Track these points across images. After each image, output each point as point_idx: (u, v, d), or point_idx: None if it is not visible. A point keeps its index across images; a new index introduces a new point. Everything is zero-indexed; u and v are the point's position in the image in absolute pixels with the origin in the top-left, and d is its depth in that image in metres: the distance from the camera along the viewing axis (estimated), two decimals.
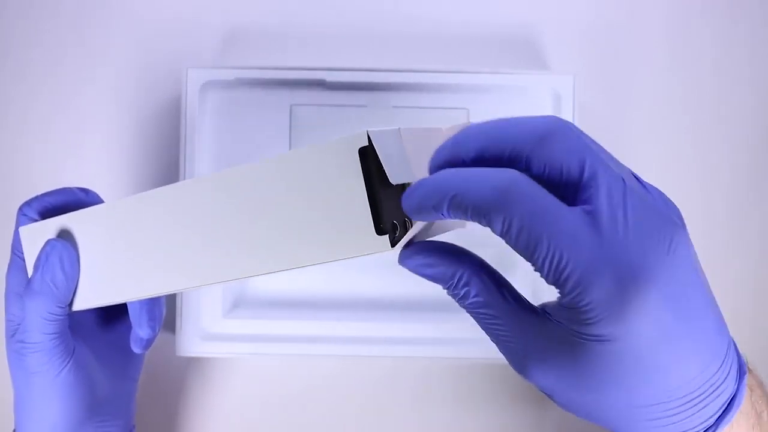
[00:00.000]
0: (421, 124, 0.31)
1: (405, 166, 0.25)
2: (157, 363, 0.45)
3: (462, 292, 0.24)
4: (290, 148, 0.44)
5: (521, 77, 0.42)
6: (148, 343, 0.35)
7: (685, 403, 0.21)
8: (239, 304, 0.44)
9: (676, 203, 0.27)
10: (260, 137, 0.43)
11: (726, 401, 0.22)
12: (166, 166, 0.46)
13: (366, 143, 0.23)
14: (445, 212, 0.22)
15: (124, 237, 0.30)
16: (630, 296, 0.20)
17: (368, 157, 0.23)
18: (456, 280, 0.24)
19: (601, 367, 0.21)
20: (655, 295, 0.20)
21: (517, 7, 0.46)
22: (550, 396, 0.24)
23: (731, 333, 0.24)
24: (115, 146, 0.46)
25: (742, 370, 0.23)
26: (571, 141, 0.21)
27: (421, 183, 0.23)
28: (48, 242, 0.32)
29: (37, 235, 0.33)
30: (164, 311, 0.36)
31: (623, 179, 0.22)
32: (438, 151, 0.24)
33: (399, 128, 0.25)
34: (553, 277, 0.21)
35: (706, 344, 0.22)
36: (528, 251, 0.21)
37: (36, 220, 0.34)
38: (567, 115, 0.42)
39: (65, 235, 0.32)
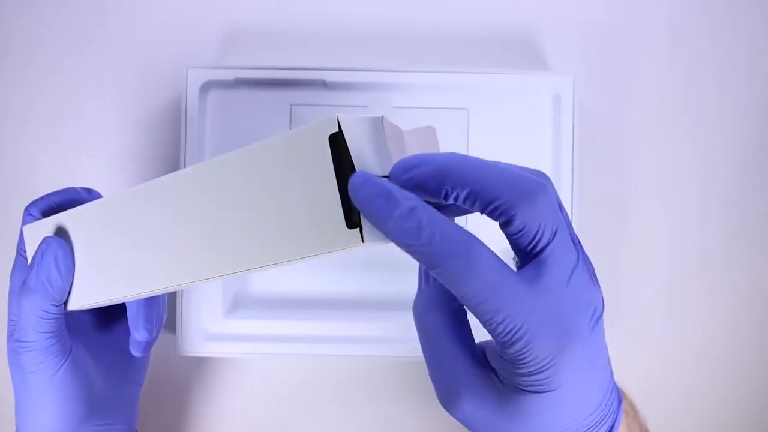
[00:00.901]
0: (420, 125, 0.30)
1: (383, 158, 0.23)
2: (157, 363, 0.45)
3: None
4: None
5: (521, 77, 0.42)
6: (146, 347, 0.34)
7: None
8: (239, 304, 0.44)
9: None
10: (260, 137, 0.43)
11: (609, 427, 0.25)
12: (167, 165, 0.46)
13: (336, 129, 0.21)
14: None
15: (111, 234, 0.29)
16: (565, 355, 0.23)
17: (340, 144, 0.21)
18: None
19: (528, 409, 0.24)
20: (580, 354, 0.23)
21: (517, 7, 0.46)
22: (469, 427, 0.26)
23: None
24: (116, 146, 0.46)
25: (619, 398, 0.26)
26: (552, 206, 0.23)
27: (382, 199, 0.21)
28: (44, 240, 0.32)
29: (38, 233, 0.33)
30: (165, 314, 0.36)
31: (577, 254, 0.24)
32: (415, 167, 0.22)
33: (382, 117, 0.24)
34: (504, 338, 0.22)
35: (603, 386, 0.25)
36: (482, 315, 0.22)
37: (39, 220, 0.34)
38: (567, 115, 0.42)
39: (62, 234, 0.32)
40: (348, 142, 0.21)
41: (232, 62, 0.45)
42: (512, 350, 0.23)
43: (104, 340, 0.37)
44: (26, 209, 0.34)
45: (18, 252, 0.35)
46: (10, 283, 0.34)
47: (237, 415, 0.46)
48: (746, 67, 0.46)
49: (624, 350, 0.46)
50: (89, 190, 0.36)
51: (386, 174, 0.23)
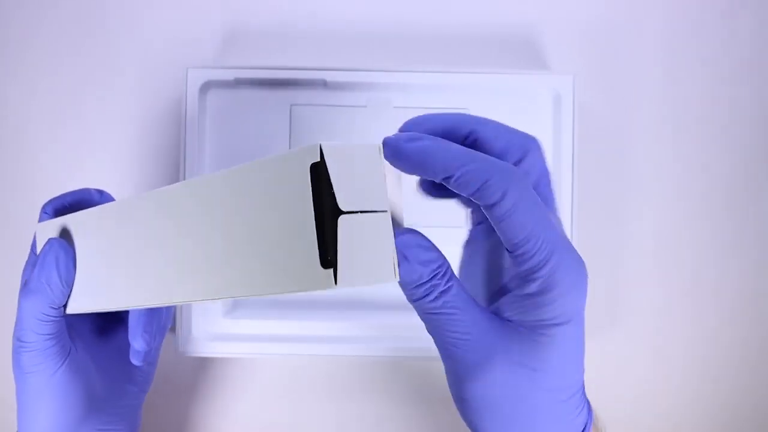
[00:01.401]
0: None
1: (375, 191, 0.21)
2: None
3: (446, 286, 0.24)
4: (290, 148, 0.44)
5: (521, 77, 0.42)
6: (144, 356, 0.34)
7: (573, 395, 0.25)
8: (239, 304, 0.44)
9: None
10: (260, 137, 0.43)
11: (584, 424, 0.26)
12: (168, 165, 0.46)
13: (317, 159, 0.19)
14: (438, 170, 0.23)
15: (108, 242, 0.29)
16: (584, 284, 0.24)
17: (320, 174, 0.20)
18: (444, 269, 0.24)
19: (552, 351, 0.24)
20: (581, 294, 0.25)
21: (517, 7, 0.46)
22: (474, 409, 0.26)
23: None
24: (116, 146, 0.46)
25: (589, 404, 0.27)
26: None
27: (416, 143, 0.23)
28: (48, 241, 0.32)
29: (47, 233, 0.33)
30: (169, 324, 0.36)
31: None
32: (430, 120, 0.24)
33: (379, 146, 0.22)
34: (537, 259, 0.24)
35: (581, 372, 0.26)
36: (517, 230, 0.23)
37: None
38: (567, 115, 0.42)
39: (67, 236, 0.32)
40: (331, 173, 0.20)
41: (232, 62, 0.45)
42: (541, 274, 0.24)
43: (106, 343, 0.37)
44: (43, 207, 0.34)
45: (31, 250, 0.35)
46: (22, 279, 0.34)
47: (237, 414, 0.46)
48: (746, 67, 0.46)
49: (624, 350, 0.46)
50: (101, 192, 0.36)
51: (383, 209, 0.22)
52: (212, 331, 0.42)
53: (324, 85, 0.42)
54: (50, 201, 0.34)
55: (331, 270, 0.19)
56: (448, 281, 0.24)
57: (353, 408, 0.46)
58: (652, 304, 0.46)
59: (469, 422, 0.26)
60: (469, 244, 0.29)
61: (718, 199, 0.46)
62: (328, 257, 0.19)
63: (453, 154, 0.23)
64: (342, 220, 0.20)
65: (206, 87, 0.42)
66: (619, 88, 0.46)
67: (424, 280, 0.23)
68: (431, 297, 0.24)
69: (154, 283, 0.26)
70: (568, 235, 0.37)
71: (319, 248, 0.19)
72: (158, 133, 0.46)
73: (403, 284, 0.24)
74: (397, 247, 0.22)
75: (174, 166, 0.45)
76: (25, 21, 0.46)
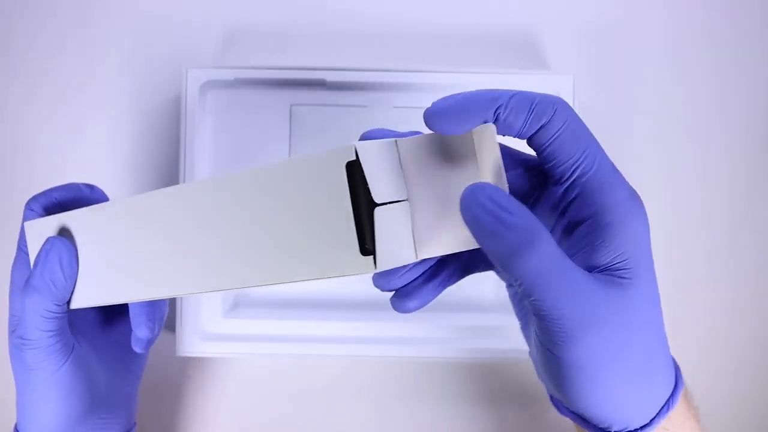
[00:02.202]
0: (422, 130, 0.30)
1: (396, 182, 0.24)
2: (156, 363, 0.45)
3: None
4: (290, 148, 0.44)
5: (521, 77, 0.42)
6: (147, 344, 0.35)
7: (665, 344, 0.27)
8: (239, 304, 0.44)
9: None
10: (260, 137, 0.43)
11: (674, 383, 0.27)
12: (167, 165, 0.46)
13: (353, 157, 0.22)
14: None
15: (121, 239, 0.30)
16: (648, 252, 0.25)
17: (356, 171, 0.22)
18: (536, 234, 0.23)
19: (637, 302, 0.24)
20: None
21: (517, 8, 0.46)
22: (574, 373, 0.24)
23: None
24: (116, 145, 0.46)
25: (677, 366, 0.28)
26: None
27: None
28: (48, 240, 0.32)
29: (41, 230, 0.33)
30: (166, 311, 0.36)
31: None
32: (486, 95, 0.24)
33: (395, 140, 0.25)
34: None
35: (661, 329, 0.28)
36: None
37: (41, 215, 0.34)
38: None
39: (66, 233, 0.32)
40: (365, 171, 0.22)
41: (232, 62, 0.45)
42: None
43: (106, 335, 0.37)
44: (27, 204, 0.34)
45: (19, 248, 0.35)
46: (11, 279, 0.34)
47: (237, 415, 0.46)
48: (746, 67, 0.46)
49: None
50: (91, 187, 0.36)
51: (404, 198, 0.24)
52: (212, 331, 0.42)
53: (324, 85, 0.42)
54: (35, 197, 0.34)
55: (371, 257, 0.22)
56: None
57: (353, 408, 0.46)
58: None
59: (564, 386, 0.25)
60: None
61: (718, 199, 0.46)
62: (366, 245, 0.22)
63: (493, 92, 0.23)
64: (377, 212, 0.22)
65: (206, 87, 0.42)
66: (619, 88, 0.46)
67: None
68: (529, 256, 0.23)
69: (187, 274, 0.27)
70: None
71: (358, 238, 0.22)
72: (158, 132, 0.46)
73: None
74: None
75: (174, 166, 0.45)
76: (26, 21, 0.46)
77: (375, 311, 0.43)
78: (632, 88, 0.46)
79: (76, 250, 0.32)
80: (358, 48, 0.46)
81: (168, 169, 0.46)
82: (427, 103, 0.43)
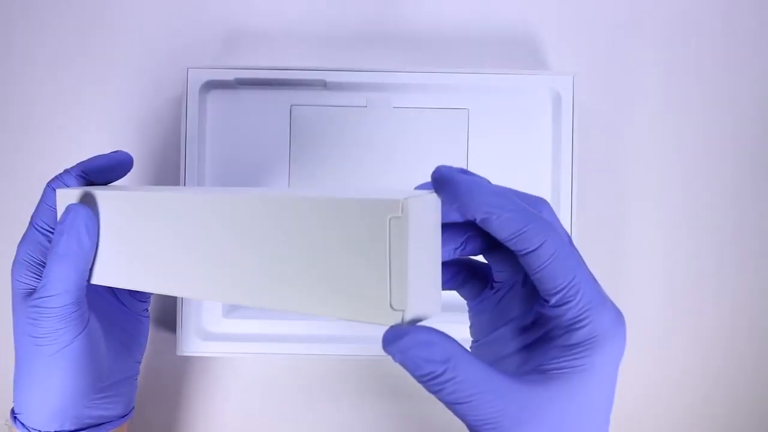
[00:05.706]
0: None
1: (434, 241, 0.24)
2: (156, 362, 0.45)
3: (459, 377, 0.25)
4: (290, 148, 0.44)
5: (521, 77, 0.42)
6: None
7: None
8: (239, 305, 0.44)
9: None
10: (260, 137, 0.43)
11: None
12: (167, 165, 0.46)
13: (399, 214, 0.22)
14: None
15: (150, 229, 0.29)
16: (622, 327, 0.25)
17: (400, 228, 0.22)
18: (453, 363, 0.24)
19: (591, 390, 0.25)
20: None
21: (517, 7, 0.46)
22: None
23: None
24: (117, 145, 0.46)
25: None
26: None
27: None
28: (70, 207, 0.31)
29: (70, 200, 0.32)
30: None
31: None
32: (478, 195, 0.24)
33: (437, 195, 0.25)
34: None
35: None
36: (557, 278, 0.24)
37: (72, 186, 0.33)
38: (567, 115, 0.42)
39: (92, 206, 0.32)
40: (410, 230, 0.22)
41: (232, 62, 0.45)
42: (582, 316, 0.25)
43: (116, 314, 0.37)
44: (50, 183, 0.33)
45: (32, 224, 0.34)
46: (18, 252, 0.33)
47: (236, 414, 0.46)
48: (746, 66, 0.46)
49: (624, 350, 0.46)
50: (121, 153, 0.35)
51: (438, 255, 0.24)
52: (212, 331, 0.42)
53: (324, 85, 0.42)
54: (68, 170, 0.34)
55: (400, 312, 0.22)
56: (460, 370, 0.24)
57: (352, 408, 0.46)
58: (651, 303, 0.46)
59: None
60: (484, 306, 0.30)
61: (718, 199, 0.46)
62: (394, 305, 0.22)
63: (498, 197, 0.24)
64: (411, 269, 0.22)
65: (207, 87, 0.42)
66: (619, 88, 0.46)
67: (436, 374, 0.24)
68: (446, 391, 0.25)
69: (209, 280, 0.27)
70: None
71: (390, 292, 0.22)
72: (159, 132, 0.46)
73: (415, 377, 0.25)
74: (400, 347, 0.24)
75: (174, 166, 0.46)
76: (27, 22, 0.46)
77: None
78: (632, 88, 0.46)
79: (99, 223, 0.31)
80: (358, 48, 0.46)
81: (169, 168, 0.46)
82: (427, 103, 0.43)
